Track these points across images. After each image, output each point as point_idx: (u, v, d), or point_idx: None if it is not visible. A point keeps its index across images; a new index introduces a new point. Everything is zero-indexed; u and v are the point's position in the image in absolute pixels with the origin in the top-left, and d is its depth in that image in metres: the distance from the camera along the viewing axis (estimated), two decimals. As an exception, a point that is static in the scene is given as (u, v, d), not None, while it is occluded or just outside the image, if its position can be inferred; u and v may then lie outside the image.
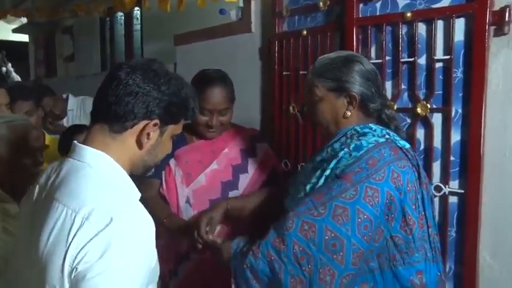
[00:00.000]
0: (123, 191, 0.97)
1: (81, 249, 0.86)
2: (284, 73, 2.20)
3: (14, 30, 6.78)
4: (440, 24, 1.61)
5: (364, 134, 1.28)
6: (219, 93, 1.69)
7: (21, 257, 1.01)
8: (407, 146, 1.30)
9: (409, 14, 1.66)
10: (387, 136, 1.28)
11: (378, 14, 1.79)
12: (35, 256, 0.93)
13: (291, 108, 2.17)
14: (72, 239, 0.87)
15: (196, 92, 1.69)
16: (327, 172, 1.26)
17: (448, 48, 1.59)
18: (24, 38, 7.14)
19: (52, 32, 6.38)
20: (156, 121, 0.99)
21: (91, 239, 0.86)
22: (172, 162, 1.76)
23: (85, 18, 5.09)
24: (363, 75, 1.30)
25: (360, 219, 1.16)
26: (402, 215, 1.21)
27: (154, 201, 1.72)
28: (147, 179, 1.76)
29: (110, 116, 0.99)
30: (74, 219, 0.88)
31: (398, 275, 1.21)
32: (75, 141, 1.02)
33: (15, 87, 2.22)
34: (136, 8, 4.42)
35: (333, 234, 1.15)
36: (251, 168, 1.79)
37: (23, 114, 2.04)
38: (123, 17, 5.02)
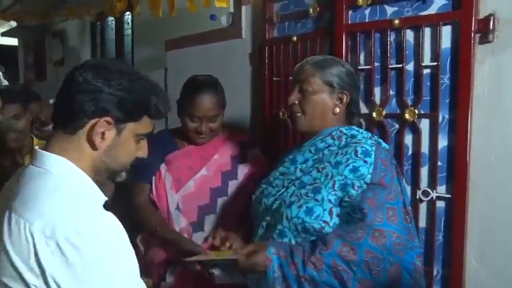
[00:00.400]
0: (83, 197, 0.91)
1: (40, 265, 0.82)
2: (274, 79, 2.21)
3: (3, 34, 6.73)
4: (427, 31, 1.64)
5: (353, 136, 1.33)
6: (209, 100, 1.69)
7: None
8: (387, 147, 1.41)
9: (397, 21, 1.68)
10: (374, 138, 1.35)
11: (366, 20, 1.81)
12: None
13: (280, 113, 2.19)
14: (29, 255, 0.83)
15: (187, 98, 1.73)
16: (338, 178, 1.26)
17: (435, 55, 1.62)
18: (13, 41, 7.08)
19: (42, 36, 6.34)
20: (107, 118, 0.93)
21: (50, 254, 0.81)
22: (163, 167, 1.76)
23: (75, 23, 5.08)
24: (355, 82, 1.39)
25: (403, 214, 1.27)
26: (404, 205, 1.31)
27: (146, 207, 1.73)
28: (138, 183, 1.76)
29: (63, 117, 0.95)
30: (29, 232, 0.83)
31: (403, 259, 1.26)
32: (36, 147, 0.99)
33: (2, 90, 2.20)
34: (127, 13, 4.41)
35: (395, 235, 1.21)
36: (241, 174, 1.79)
37: (10, 117, 2.02)
38: (113, 22, 5.01)
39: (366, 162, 1.26)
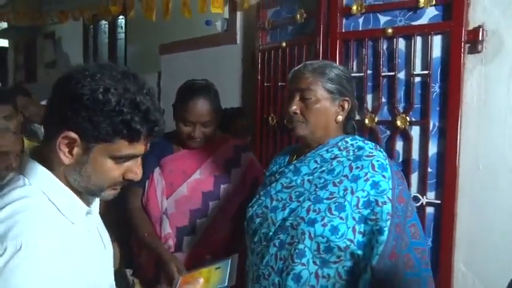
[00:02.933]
0: (45, 211, 0.85)
1: None
2: (265, 84, 2.24)
3: (-6, 35, 6.68)
4: (419, 40, 1.68)
5: (360, 148, 1.29)
6: (202, 105, 1.68)
7: None
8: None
9: (390, 30, 1.72)
10: (378, 149, 1.31)
11: (360, 29, 1.85)
12: None
13: (270, 118, 2.21)
14: None
15: (180, 103, 1.73)
16: (361, 194, 1.21)
17: (427, 63, 1.66)
18: (3, 43, 7.02)
19: (33, 37, 6.31)
20: (69, 133, 0.83)
21: None
22: (156, 171, 1.76)
23: (68, 25, 5.06)
24: (353, 86, 1.35)
25: (419, 223, 1.27)
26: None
27: (137, 214, 1.73)
28: (131, 187, 1.75)
29: (45, 122, 0.91)
30: None
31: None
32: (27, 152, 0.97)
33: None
34: (120, 17, 4.42)
35: (420, 250, 1.22)
36: (234, 178, 1.80)
37: (1, 118, 2.00)
38: (107, 25, 5.01)
39: (384, 177, 1.22)
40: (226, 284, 1.07)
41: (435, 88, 1.65)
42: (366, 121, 1.80)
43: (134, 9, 2.95)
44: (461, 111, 1.59)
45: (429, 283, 1.22)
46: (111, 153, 0.87)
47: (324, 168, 1.28)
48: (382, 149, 1.31)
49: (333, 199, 1.22)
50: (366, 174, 1.22)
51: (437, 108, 1.65)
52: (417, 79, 1.70)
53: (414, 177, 1.71)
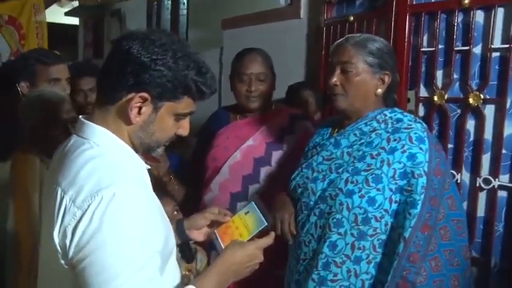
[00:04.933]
0: (120, 165, 0.91)
1: (68, 234, 0.84)
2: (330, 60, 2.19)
3: (66, 14, 7.03)
4: (500, 11, 1.56)
5: (399, 120, 1.31)
6: (257, 59, 1.75)
7: (42, 233, 0.99)
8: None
9: (466, 1, 1.61)
10: (418, 120, 1.32)
11: (432, 0, 1.75)
12: (42, 235, 0.94)
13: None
14: (61, 223, 0.85)
15: (236, 62, 1.78)
16: (398, 166, 1.24)
17: (508, 36, 1.54)
18: (75, 21, 7.39)
19: (101, 16, 6.57)
20: (144, 94, 0.90)
21: (76, 224, 0.83)
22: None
23: (133, 3, 5.22)
24: (395, 61, 1.36)
25: (458, 193, 1.30)
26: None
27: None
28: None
29: (105, 86, 0.94)
30: (62, 200, 0.86)
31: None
32: (80, 116, 0.98)
33: (83, 63, 2.29)
34: (183, -7, 4.48)
35: (456, 221, 1.24)
36: (287, 145, 1.80)
37: (88, 89, 2.12)
38: (169, 2, 5.10)
39: (421, 149, 1.23)
40: (266, 223, 1.14)
41: (516, 64, 1.54)
42: (435, 98, 1.72)
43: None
44: (544, 88, 1.47)
45: (463, 252, 1.25)
46: (176, 111, 0.95)
47: (362, 141, 1.32)
48: (421, 121, 1.33)
49: (370, 170, 1.26)
50: (403, 146, 1.24)
51: (517, 86, 1.54)
52: (495, 54, 1.59)
53: (486, 159, 1.62)
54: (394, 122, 1.30)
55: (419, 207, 1.19)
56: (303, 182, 1.40)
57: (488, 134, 1.61)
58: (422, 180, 1.20)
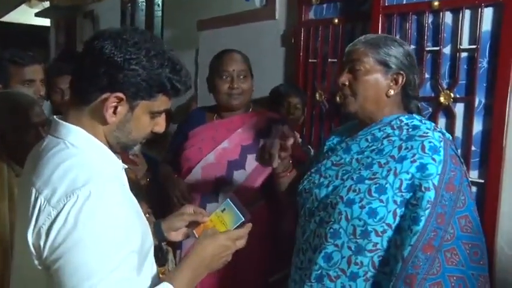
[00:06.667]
0: (95, 165, 0.91)
1: (43, 234, 0.84)
2: (310, 60, 2.22)
3: (37, 14, 6.86)
4: (467, 13, 1.61)
5: (416, 127, 1.20)
6: (237, 57, 1.78)
7: (16, 234, 0.98)
8: (450, 137, 1.26)
9: (436, 3, 1.66)
10: (438, 129, 1.21)
11: (404, 2, 1.79)
12: (15, 237, 0.94)
13: (317, 95, 2.20)
14: (35, 223, 0.85)
15: (215, 61, 1.78)
16: (405, 176, 1.13)
17: (475, 37, 1.59)
18: (46, 22, 7.22)
19: (73, 17, 6.45)
20: (119, 94, 0.89)
21: (51, 223, 0.83)
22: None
23: (106, 4, 5.14)
24: (411, 61, 1.25)
25: (477, 217, 1.15)
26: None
27: (162, 166, 1.92)
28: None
29: (79, 86, 0.93)
30: (36, 200, 0.86)
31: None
32: (54, 117, 0.97)
33: (62, 61, 2.23)
34: (158, -6, 4.45)
35: (470, 245, 1.11)
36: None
37: (66, 88, 2.07)
38: (144, 3, 5.05)
39: (434, 160, 1.11)
40: (243, 218, 1.13)
41: (483, 63, 1.59)
42: (408, 97, 1.76)
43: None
44: (510, 87, 1.52)
45: (478, 282, 1.10)
46: (151, 109, 0.94)
47: (374, 148, 1.22)
48: (443, 130, 1.22)
49: (375, 179, 1.16)
50: (414, 155, 1.13)
51: (484, 85, 1.59)
52: (464, 54, 1.64)
53: (457, 156, 1.67)
54: (410, 129, 1.19)
55: (422, 224, 1.08)
56: (309, 187, 1.32)
57: (458, 132, 1.66)
58: (429, 195, 1.09)
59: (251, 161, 1.76)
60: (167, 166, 1.89)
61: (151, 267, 1.01)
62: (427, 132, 1.17)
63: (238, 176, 1.76)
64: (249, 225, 1.11)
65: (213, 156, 1.77)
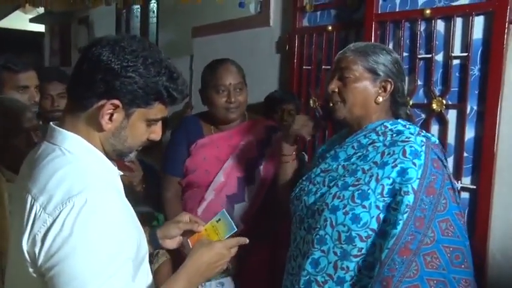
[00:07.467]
0: (91, 172, 0.91)
1: (38, 241, 0.83)
2: (304, 67, 2.24)
3: (31, 20, 6.86)
4: (459, 21, 1.64)
5: (399, 132, 1.22)
6: (232, 69, 1.74)
7: (11, 241, 0.97)
8: (437, 140, 1.26)
9: (428, 11, 1.68)
10: (423, 134, 1.22)
11: (397, 10, 1.82)
12: (11, 244, 0.93)
13: (311, 101, 2.21)
14: (30, 230, 0.84)
15: (210, 74, 1.76)
16: (386, 182, 1.15)
17: (466, 45, 1.61)
18: (40, 28, 7.22)
19: (68, 23, 6.44)
20: (115, 102, 0.89)
21: (46, 231, 0.82)
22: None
23: (101, 10, 5.14)
24: (399, 68, 1.27)
25: (460, 220, 1.14)
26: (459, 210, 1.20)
27: (172, 203, 1.80)
28: (167, 175, 1.81)
29: (75, 93, 0.93)
30: (32, 207, 0.85)
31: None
32: (51, 123, 0.97)
33: (52, 68, 2.23)
34: (152, 1, 4.46)
35: (451, 249, 1.11)
36: (266, 160, 1.81)
37: (55, 94, 2.07)
38: (139, 10, 5.06)
39: (414, 164, 1.13)
40: (235, 229, 1.16)
41: (474, 71, 1.61)
42: (401, 104, 1.77)
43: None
44: (501, 95, 1.54)
45: (459, 286, 1.10)
46: (148, 117, 0.95)
47: (359, 154, 1.24)
48: (428, 134, 1.23)
49: (358, 186, 1.18)
50: (395, 160, 1.15)
51: (476, 92, 1.61)
52: (455, 62, 1.66)
53: (449, 162, 1.68)
54: (394, 135, 1.22)
55: (399, 227, 1.09)
56: (300, 194, 1.35)
57: (451, 138, 1.68)
58: (408, 199, 1.10)
59: (259, 174, 1.78)
60: (176, 205, 1.80)
61: (146, 274, 1.00)
62: (409, 137, 1.19)
63: (249, 190, 1.77)
64: (245, 239, 1.14)
65: (222, 176, 1.76)
